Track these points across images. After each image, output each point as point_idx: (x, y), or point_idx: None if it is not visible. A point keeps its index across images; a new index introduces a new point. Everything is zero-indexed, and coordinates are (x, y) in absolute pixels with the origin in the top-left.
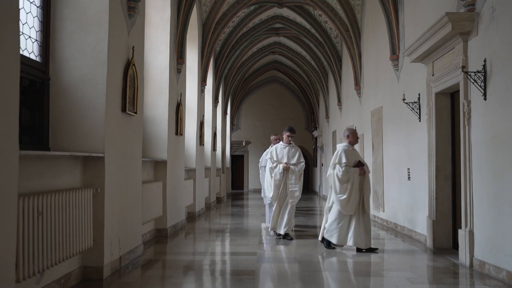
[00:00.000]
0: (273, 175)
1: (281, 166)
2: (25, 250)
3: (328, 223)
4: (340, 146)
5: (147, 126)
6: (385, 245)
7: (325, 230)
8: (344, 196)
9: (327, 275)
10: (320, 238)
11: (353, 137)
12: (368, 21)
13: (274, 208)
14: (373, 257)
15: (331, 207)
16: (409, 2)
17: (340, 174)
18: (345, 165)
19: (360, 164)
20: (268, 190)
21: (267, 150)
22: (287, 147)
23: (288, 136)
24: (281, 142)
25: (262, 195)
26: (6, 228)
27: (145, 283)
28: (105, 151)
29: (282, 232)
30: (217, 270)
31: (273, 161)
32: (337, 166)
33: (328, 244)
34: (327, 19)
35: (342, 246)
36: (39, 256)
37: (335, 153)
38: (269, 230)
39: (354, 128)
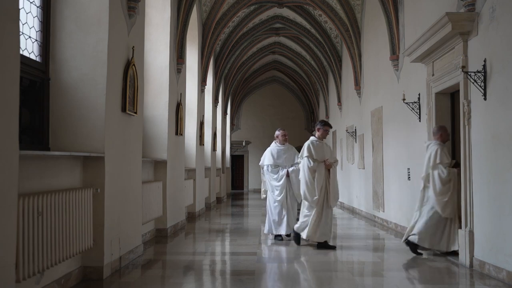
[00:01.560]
0: (315, 176)
1: (322, 165)
2: (25, 250)
3: (422, 226)
4: (435, 145)
5: (147, 126)
6: (385, 245)
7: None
8: (446, 199)
9: (327, 275)
10: (405, 239)
11: (445, 134)
12: (368, 21)
13: (316, 214)
14: (373, 257)
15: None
16: (409, 2)
17: (443, 174)
18: (446, 165)
19: (457, 164)
20: (311, 192)
21: (269, 149)
22: (323, 144)
23: (326, 130)
24: (312, 138)
25: (279, 196)
26: (6, 228)
27: (145, 283)
28: (105, 151)
29: (305, 236)
30: (217, 270)
31: (313, 160)
32: (440, 166)
33: (414, 248)
34: (327, 19)
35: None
36: (39, 256)
37: (433, 152)
38: (317, 239)
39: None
